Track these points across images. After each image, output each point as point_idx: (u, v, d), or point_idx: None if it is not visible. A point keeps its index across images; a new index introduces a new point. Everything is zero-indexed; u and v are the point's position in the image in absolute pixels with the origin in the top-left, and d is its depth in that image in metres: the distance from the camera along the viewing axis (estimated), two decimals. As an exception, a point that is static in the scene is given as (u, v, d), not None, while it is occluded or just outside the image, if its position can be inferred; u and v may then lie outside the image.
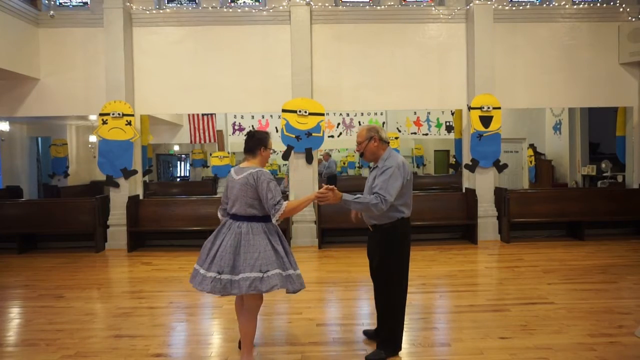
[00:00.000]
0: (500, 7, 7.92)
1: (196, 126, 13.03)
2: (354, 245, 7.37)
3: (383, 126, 13.45)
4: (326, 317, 4.43)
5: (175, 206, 7.85)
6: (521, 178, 12.74)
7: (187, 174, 16.57)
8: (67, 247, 7.66)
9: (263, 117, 13.37)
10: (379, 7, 7.96)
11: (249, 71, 7.93)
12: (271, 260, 3.12)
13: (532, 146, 12.28)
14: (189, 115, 12.83)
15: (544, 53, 8.08)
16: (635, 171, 8.33)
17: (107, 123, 7.58)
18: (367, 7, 8.04)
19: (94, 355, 3.62)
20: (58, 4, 8.10)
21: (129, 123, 7.61)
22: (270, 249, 3.16)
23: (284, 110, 7.62)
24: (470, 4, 7.83)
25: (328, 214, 7.41)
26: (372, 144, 3.46)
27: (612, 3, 8.07)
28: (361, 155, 3.57)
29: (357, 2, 8.18)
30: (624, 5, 8.01)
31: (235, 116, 13.50)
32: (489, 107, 7.66)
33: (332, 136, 13.28)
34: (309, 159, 7.70)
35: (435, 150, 15.71)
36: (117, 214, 7.65)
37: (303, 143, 7.64)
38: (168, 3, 8.16)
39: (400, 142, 12.86)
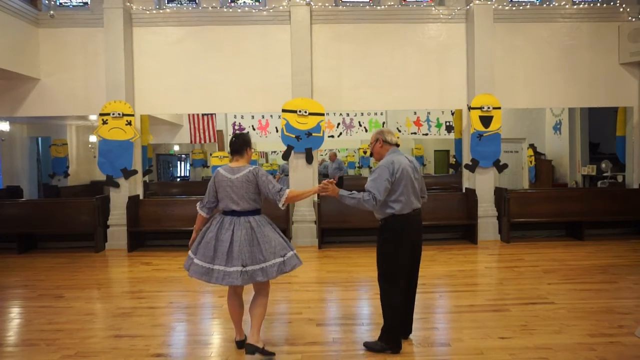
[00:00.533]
0: (500, 7, 7.92)
1: (196, 126, 13.01)
2: (354, 245, 7.37)
3: (383, 126, 13.45)
4: (326, 317, 4.43)
5: (175, 206, 7.85)
6: (521, 178, 12.73)
7: (187, 174, 16.55)
8: (67, 247, 7.66)
9: (263, 117, 13.36)
10: (379, 7, 7.96)
11: (249, 71, 7.93)
12: (283, 245, 3.47)
13: (532, 146, 12.27)
14: (189, 115, 12.81)
15: (544, 53, 8.08)
16: (635, 171, 8.33)
17: (107, 123, 7.58)
18: (367, 7, 8.04)
19: (94, 355, 3.62)
20: (58, 4, 8.10)
21: (129, 123, 7.61)
22: (278, 236, 3.49)
23: (284, 110, 7.62)
24: (470, 4, 7.83)
25: (328, 214, 7.41)
26: (377, 145, 3.73)
27: (612, 3, 8.07)
28: (371, 155, 3.85)
29: (357, 2, 8.18)
30: (624, 5, 8.01)
31: (235, 116, 13.48)
32: (489, 107, 7.66)
33: (332, 136, 13.27)
34: (309, 159, 7.70)
35: (435, 150, 15.70)
36: (117, 214, 7.65)
37: (303, 143, 7.64)
38: (168, 3, 8.16)
39: (400, 142, 12.80)
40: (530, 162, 12.07)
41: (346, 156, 15.38)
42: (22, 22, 7.48)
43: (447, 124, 13.26)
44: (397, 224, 3.52)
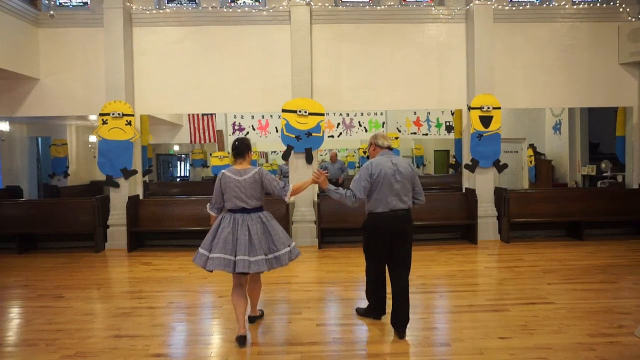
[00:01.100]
0: (500, 7, 7.92)
1: (196, 126, 13.02)
2: (354, 245, 7.37)
3: (383, 126, 13.47)
4: (326, 317, 4.43)
5: (175, 206, 7.85)
6: (521, 178, 12.74)
7: (187, 174, 16.55)
8: (67, 247, 7.66)
9: (263, 117, 13.37)
10: (379, 7, 7.96)
11: (249, 71, 7.93)
12: (287, 236, 3.96)
13: (532, 146, 12.27)
14: (189, 115, 12.82)
15: (543, 53, 8.08)
16: (635, 171, 8.33)
17: (107, 123, 7.58)
18: (367, 7, 8.04)
19: (93, 355, 3.62)
20: (58, 4, 8.10)
21: (129, 123, 7.61)
22: (282, 229, 3.96)
23: (284, 110, 7.62)
24: (470, 4, 7.83)
25: (328, 214, 7.41)
26: (371, 148, 4.11)
27: (612, 3, 8.07)
28: (368, 157, 4.22)
29: (357, 2, 8.18)
30: (623, 5, 8.01)
31: (235, 116, 13.49)
32: (488, 107, 7.66)
33: (332, 136, 13.28)
34: (309, 159, 7.70)
35: (435, 150, 15.71)
36: (117, 214, 7.65)
37: (303, 143, 7.64)
38: (168, 3, 8.16)
39: (400, 142, 12.85)
40: (530, 162, 12.08)
41: (346, 156, 15.38)
42: (22, 22, 7.49)
43: (447, 124, 13.27)
44: (372, 221, 3.91)
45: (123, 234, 7.50)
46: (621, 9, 8.03)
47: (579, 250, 6.96)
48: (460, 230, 8.00)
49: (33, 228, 7.60)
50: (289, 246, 3.88)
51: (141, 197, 7.97)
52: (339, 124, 13.41)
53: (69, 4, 8.16)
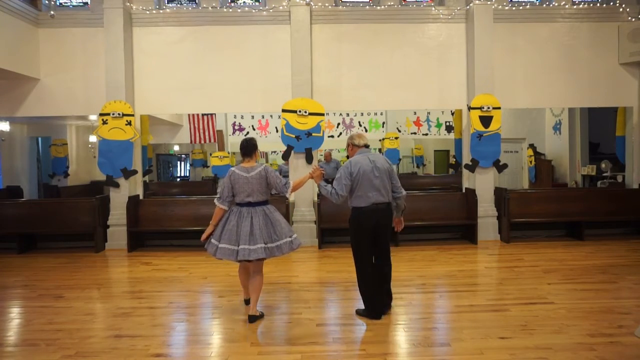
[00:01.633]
0: (500, 7, 7.92)
1: (196, 126, 13.02)
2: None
3: (383, 126, 13.47)
4: (326, 317, 4.43)
5: (175, 206, 7.85)
6: (521, 178, 12.73)
7: (187, 174, 16.54)
8: (67, 247, 7.66)
9: (263, 117, 13.37)
10: (379, 7, 7.96)
11: (249, 71, 7.93)
12: (289, 227, 4.31)
13: (532, 146, 12.27)
14: (189, 115, 12.82)
15: (544, 53, 8.09)
16: (635, 171, 8.33)
17: (107, 123, 7.58)
18: (367, 7, 8.04)
19: (94, 355, 3.62)
20: (58, 4, 8.10)
21: (129, 123, 7.61)
22: (285, 220, 4.31)
23: (284, 110, 7.62)
24: (470, 4, 7.83)
25: (328, 214, 7.41)
26: (349, 149, 4.43)
27: (612, 3, 8.07)
28: (347, 156, 4.52)
29: (357, 2, 8.18)
30: (623, 5, 8.01)
31: (235, 116, 13.49)
32: (489, 107, 7.66)
33: (332, 136, 13.27)
34: (309, 159, 7.70)
35: (435, 150, 15.69)
36: (117, 214, 7.65)
37: (303, 143, 7.64)
38: (168, 3, 8.16)
39: (400, 142, 12.86)
40: (530, 162, 12.07)
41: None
42: (22, 22, 7.49)
43: (447, 124, 13.27)
44: (355, 214, 4.22)
45: (123, 234, 7.50)
46: (621, 9, 8.03)
47: (579, 250, 6.96)
48: (460, 230, 8.00)
49: (33, 228, 7.60)
50: (290, 237, 4.21)
51: (141, 197, 7.97)
52: (339, 124, 13.41)
53: (69, 4, 8.16)
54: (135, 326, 4.21)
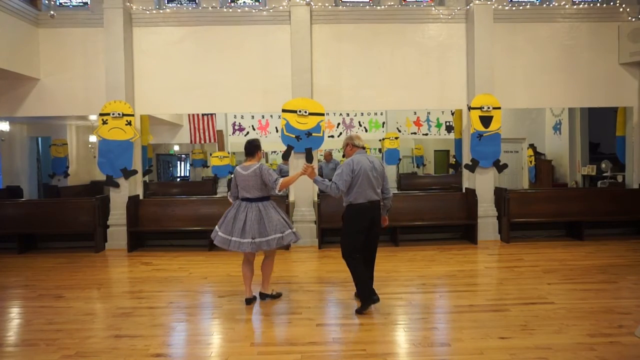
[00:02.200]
0: (500, 7, 7.92)
1: (196, 126, 13.01)
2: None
3: (383, 126, 13.47)
4: (326, 317, 4.43)
5: (175, 206, 7.85)
6: (521, 178, 12.74)
7: (187, 174, 16.54)
8: (67, 247, 7.66)
9: (263, 117, 13.36)
10: (379, 7, 7.96)
11: (249, 71, 7.93)
12: (283, 224, 4.55)
13: (532, 146, 12.27)
14: (189, 115, 12.81)
15: (544, 53, 8.09)
16: (635, 171, 8.33)
17: (107, 123, 7.58)
18: (367, 7, 8.04)
19: (94, 355, 3.62)
20: (58, 4, 8.10)
21: (129, 123, 7.61)
22: (280, 217, 4.57)
23: (284, 110, 7.62)
24: (470, 4, 7.83)
25: (328, 214, 7.41)
26: (348, 148, 4.66)
27: (612, 3, 8.07)
28: (343, 155, 4.83)
29: (357, 2, 8.18)
30: (624, 5, 8.01)
31: (235, 116, 13.48)
32: (489, 107, 7.66)
33: (332, 136, 13.26)
34: (309, 159, 7.69)
35: (435, 150, 15.68)
36: (117, 214, 7.65)
37: (303, 143, 7.64)
38: (168, 3, 8.16)
39: (400, 142, 12.86)
40: (530, 162, 12.08)
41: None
42: (22, 22, 7.49)
43: (447, 124, 13.26)
44: (353, 210, 4.45)
45: (123, 234, 7.50)
46: (621, 9, 8.03)
47: (579, 250, 6.96)
48: (460, 230, 8.00)
49: (33, 228, 7.60)
50: (281, 233, 4.48)
51: (141, 197, 7.97)
52: (339, 124, 13.41)
53: (69, 4, 8.16)
54: (135, 326, 4.20)
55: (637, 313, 4.29)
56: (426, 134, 13.61)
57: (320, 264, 6.51)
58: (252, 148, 4.68)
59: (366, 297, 4.43)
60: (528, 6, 8.03)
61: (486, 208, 7.81)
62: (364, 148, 4.65)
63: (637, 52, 7.89)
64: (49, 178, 12.43)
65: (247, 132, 13.51)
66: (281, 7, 7.82)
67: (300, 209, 7.80)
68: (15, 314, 4.69)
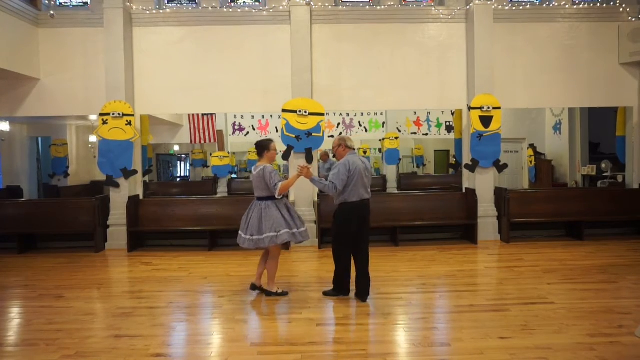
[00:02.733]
0: (500, 7, 7.92)
1: (196, 126, 13.02)
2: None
3: (383, 126, 13.48)
4: (326, 317, 4.43)
5: (175, 206, 7.85)
6: (521, 178, 12.75)
7: (187, 174, 16.55)
8: (67, 247, 7.65)
9: (263, 117, 13.38)
10: (379, 7, 7.96)
11: (249, 71, 7.93)
12: (280, 223, 4.69)
13: (532, 146, 12.28)
14: (189, 115, 12.83)
15: (544, 53, 8.09)
16: (635, 171, 8.33)
17: (107, 123, 7.58)
18: (367, 7, 8.04)
19: (94, 355, 3.62)
20: (58, 4, 8.10)
21: (129, 123, 7.61)
22: (280, 217, 4.71)
23: (284, 110, 7.62)
24: (470, 4, 7.83)
25: (328, 214, 7.37)
26: (341, 149, 4.86)
27: (612, 3, 8.07)
28: (334, 156, 5.01)
29: (357, 2, 8.18)
30: (624, 5, 8.01)
31: (235, 116, 13.50)
32: (489, 107, 7.66)
33: (332, 136, 13.24)
34: (309, 159, 7.69)
35: (435, 150, 15.71)
36: (117, 214, 7.65)
37: (303, 143, 7.64)
38: (168, 3, 8.16)
39: (400, 142, 12.86)
40: (530, 162, 12.08)
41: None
42: (22, 22, 7.49)
43: (447, 124, 13.27)
44: (348, 208, 4.68)
45: (123, 234, 7.50)
46: (621, 9, 8.04)
47: (579, 250, 6.96)
48: (460, 230, 8.00)
49: (33, 228, 7.60)
50: (276, 232, 4.64)
51: (141, 197, 7.97)
52: (339, 124, 13.42)
53: (69, 4, 8.16)
54: (135, 326, 4.20)
55: (637, 313, 4.29)
56: (426, 134, 13.62)
57: (320, 264, 6.51)
58: (259, 149, 4.91)
59: (341, 288, 4.87)
60: (528, 6, 8.04)
61: (486, 208, 7.81)
62: (354, 149, 4.88)
63: (637, 52, 7.89)
64: (49, 178, 12.44)
65: (247, 132, 13.52)
66: (281, 7, 7.82)
67: (300, 209, 7.79)
68: (15, 314, 4.69)
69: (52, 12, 7.56)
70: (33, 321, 4.40)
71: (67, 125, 12.66)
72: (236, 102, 8.03)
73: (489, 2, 7.80)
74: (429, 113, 13.31)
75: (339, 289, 4.88)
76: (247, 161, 14.92)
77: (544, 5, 8.12)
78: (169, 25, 7.94)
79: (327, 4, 7.91)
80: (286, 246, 6.90)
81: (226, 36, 7.93)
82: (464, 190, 8.10)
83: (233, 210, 7.68)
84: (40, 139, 12.47)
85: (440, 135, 13.58)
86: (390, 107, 9.15)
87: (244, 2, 8.14)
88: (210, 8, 7.92)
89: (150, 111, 8.21)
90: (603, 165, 10.40)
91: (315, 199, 7.73)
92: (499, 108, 7.72)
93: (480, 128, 7.71)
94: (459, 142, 8.40)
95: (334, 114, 12.97)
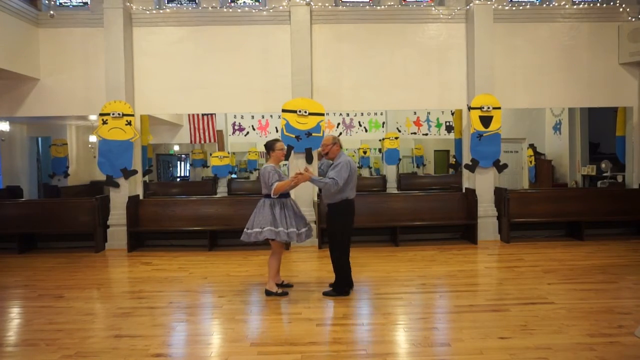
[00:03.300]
0: (500, 7, 7.92)
1: (196, 126, 13.02)
2: (353, 245, 7.30)
3: (383, 126, 13.48)
4: (326, 317, 4.43)
5: (175, 206, 7.85)
6: (521, 178, 12.74)
7: (187, 174, 16.55)
8: (67, 247, 7.66)
9: (263, 117, 13.36)
10: (379, 7, 7.96)
11: (249, 71, 7.93)
12: (267, 221, 4.79)
13: (532, 146, 12.27)
14: (189, 115, 12.82)
15: (544, 53, 8.09)
16: (635, 171, 8.33)
17: (107, 123, 7.58)
18: (367, 7, 8.04)
19: (94, 355, 3.62)
20: (58, 4, 8.10)
21: (129, 123, 7.61)
22: (269, 214, 4.81)
23: (284, 110, 7.62)
24: (470, 4, 7.84)
25: (328, 214, 7.40)
26: (335, 148, 5.00)
27: (612, 3, 8.07)
28: (325, 154, 5.09)
29: (357, 2, 8.18)
30: (623, 5, 8.01)
31: (235, 116, 13.48)
32: (489, 107, 7.66)
33: (332, 136, 13.26)
34: (309, 159, 7.69)
35: (435, 150, 15.69)
36: (117, 214, 7.65)
37: (303, 143, 7.64)
38: (168, 3, 8.16)
39: (400, 142, 12.86)
40: (530, 162, 12.08)
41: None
42: (22, 22, 7.49)
43: (447, 124, 13.26)
44: (348, 206, 4.89)
45: (123, 234, 7.50)
46: (621, 9, 8.04)
47: (579, 250, 6.96)
48: (460, 230, 8.00)
49: (33, 228, 7.60)
50: (260, 228, 4.77)
51: (141, 197, 7.97)
52: (339, 124, 13.40)
53: (69, 4, 8.16)
54: (135, 326, 4.21)
55: (637, 313, 4.29)
56: (426, 134, 13.60)
57: (320, 264, 6.51)
58: (266, 149, 5.11)
59: (344, 290, 4.95)
60: (528, 6, 8.04)
61: (486, 208, 7.81)
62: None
63: (637, 52, 7.89)
64: (49, 178, 12.43)
65: (247, 132, 13.52)
66: (281, 7, 7.82)
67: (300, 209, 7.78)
68: (15, 314, 4.69)
69: (52, 12, 7.56)
70: (33, 321, 4.40)
71: (67, 125, 12.65)
72: (236, 102, 8.03)
73: (489, 2, 7.80)
74: (429, 113, 13.30)
75: (343, 284, 4.95)
76: (247, 161, 14.93)
77: (544, 5, 8.12)
78: (169, 25, 7.94)
79: (327, 4, 7.91)
80: (287, 246, 6.90)
81: (226, 36, 7.93)
82: (464, 190, 8.10)
83: (233, 211, 7.69)
84: (40, 139, 12.47)
85: (440, 135, 13.56)
86: (390, 107, 9.15)
87: (244, 2, 8.14)
88: (210, 8, 7.92)
89: (150, 111, 8.21)
90: (603, 165, 10.39)
91: (315, 199, 7.73)
92: (499, 108, 7.72)
93: (480, 128, 7.71)
94: (458, 142, 8.41)
95: (334, 114, 12.95)
